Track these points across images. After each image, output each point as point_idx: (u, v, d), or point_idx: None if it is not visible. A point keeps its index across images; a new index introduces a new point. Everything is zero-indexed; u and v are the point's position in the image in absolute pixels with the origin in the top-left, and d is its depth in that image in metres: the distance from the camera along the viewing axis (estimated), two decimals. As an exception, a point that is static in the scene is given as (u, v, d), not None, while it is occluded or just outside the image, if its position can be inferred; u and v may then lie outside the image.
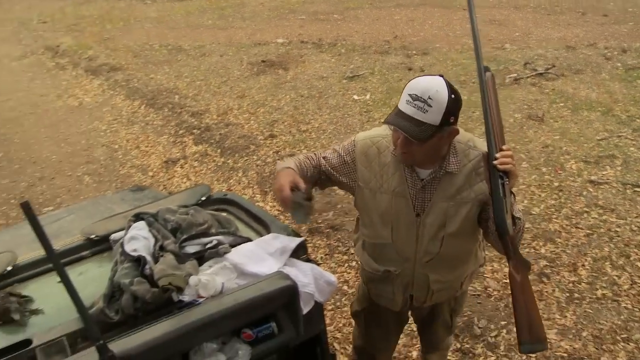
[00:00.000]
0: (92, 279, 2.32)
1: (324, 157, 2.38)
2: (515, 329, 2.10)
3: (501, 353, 3.59)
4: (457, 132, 2.09)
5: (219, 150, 6.88)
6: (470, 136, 2.25)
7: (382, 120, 2.16)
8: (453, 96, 1.99)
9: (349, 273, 4.46)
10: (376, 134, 2.32)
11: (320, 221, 5.13)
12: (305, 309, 2.11)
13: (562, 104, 6.86)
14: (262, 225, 2.44)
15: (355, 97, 7.85)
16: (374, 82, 8.32)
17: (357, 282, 4.34)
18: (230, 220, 2.42)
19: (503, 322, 3.79)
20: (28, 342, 1.95)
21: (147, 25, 14.62)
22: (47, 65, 12.34)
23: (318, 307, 2.24)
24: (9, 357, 1.89)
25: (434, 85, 1.97)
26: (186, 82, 9.67)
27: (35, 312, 2.20)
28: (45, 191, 6.74)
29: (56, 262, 1.62)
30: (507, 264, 2.12)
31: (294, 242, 2.20)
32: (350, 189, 2.40)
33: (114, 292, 2.01)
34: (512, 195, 2.04)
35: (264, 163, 6.37)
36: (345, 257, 4.64)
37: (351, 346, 3.37)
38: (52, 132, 8.53)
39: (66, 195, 6.55)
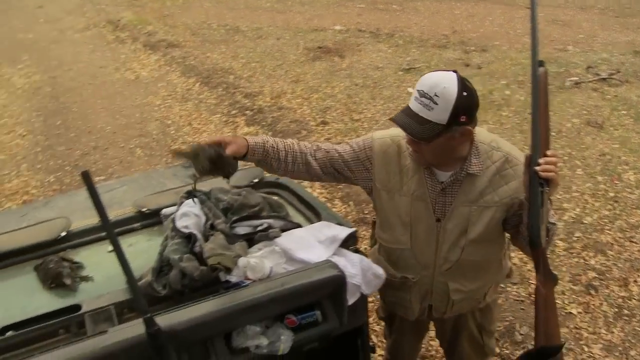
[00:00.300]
0: (141, 251, 2.35)
1: (335, 150, 2.23)
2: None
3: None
4: (471, 133, 1.96)
5: (270, 133, 6.90)
6: (494, 137, 2.14)
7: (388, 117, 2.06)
8: (465, 93, 1.86)
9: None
10: (397, 133, 2.18)
11: (367, 212, 5.10)
12: (350, 300, 2.09)
13: (624, 112, 6.64)
14: (313, 212, 2.43)
15: (410, 89, 7.75)
16: (429, 76, 8.18)
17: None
18: (282, 205, 2.41)
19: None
20: (77, 307, 1.99)
21: (206, 4, 14.76)
22: (108, 38, 12.59)
23: (363, 299, 2.22)
24: (59, 319, 1.93)
25: (443, 81, 1.85)
26: (241, 63, 9.73)
27: (85, 278, 2.24)
28: (98, 161, 6.88)
29: (110, 232, 1.63)
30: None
31: (345, 231, 2.18)
32: (366, 188, 2.30)
33: (162, 267, 2.03)
34: (550, 202, 1.91)
35: (314, 149, 6.34)
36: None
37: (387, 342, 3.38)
38: (108, 104, 8.71)
39: (118, 166, 6.67)
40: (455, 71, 1.92)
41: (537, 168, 1.82)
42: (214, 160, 1.98)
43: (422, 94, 1.87)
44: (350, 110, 7.31)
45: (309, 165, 2.19)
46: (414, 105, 1.90)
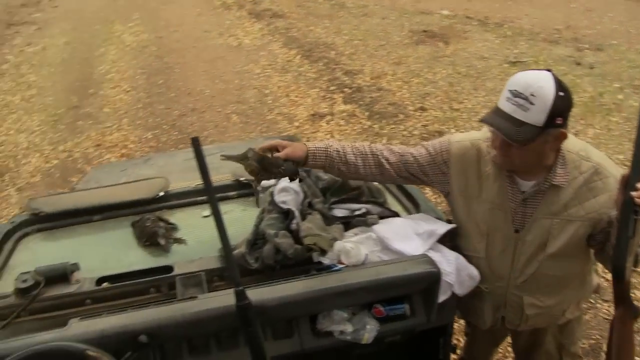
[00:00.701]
0: (235, 220, 2.37)
1: (410, 154, 2.11)
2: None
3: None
4: (565, 136, 1.83)
5: (367, 113, 6.84)
6: (583, 145, 1.98)
7: (480, 118, 1.91)
8: (562, 94, 1.74)
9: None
10: (477, 136, 2.08)
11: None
12: (441, 298, 2.02)
13: None
14: (412, 202, 2.37)
15: (515, 84, 7.47)
16: (537, 71, 7.85)
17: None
18: (381, 191, 2.36)
19: (636, 354, 3.51)
20: (170, 268, 2.02)
21: (314, -24, 14.72)
22: (214, 3, 12.82)
23: (452, 298, 2.14)
24: (152, 278, 1.97)
25: (538, 80, 1.74)
26: (344, 40, 9.66)
27: (179, 240, 2.29)
28: (194, 122, 7.03)
29: (213, 199, 1.63)
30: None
31: (444, 227, 2.10)
32: (442, 191, 2.18)
33: (256, 240, 2.02)
34: None
35: (410, 134, 6.25)
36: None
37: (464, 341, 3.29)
38: (209, 68, 8.87)
39: (213, 130, 6.80)
40: (549, 70, 1.81)
41: (634, 193, 1.66)
42: (262, 163, 1.97)
43: (516, 94, 1.75)
44: (450, 98, 7.13)
45: (382, 168, 2.09)
46: (506, 106, 1.78)
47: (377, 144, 2.14)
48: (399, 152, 2.11)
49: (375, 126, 6.50)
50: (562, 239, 1.97)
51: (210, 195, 1.63)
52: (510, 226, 2.01)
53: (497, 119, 1.79)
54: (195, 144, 1.60)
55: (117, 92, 8.17)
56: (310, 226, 1.94)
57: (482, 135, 2.07)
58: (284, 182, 2.25)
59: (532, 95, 1.72)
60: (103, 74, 8.94)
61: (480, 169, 2.03)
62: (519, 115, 1.75)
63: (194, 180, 2.60)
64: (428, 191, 5.10)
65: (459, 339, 3.65)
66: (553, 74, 1.78)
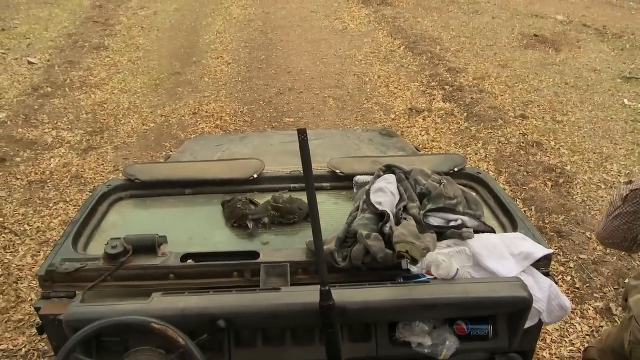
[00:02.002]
0: (326, 212, 2.33)
1: None
2: None
3: None
4: None
5: (465, 114, 6.67)
6: None
7: None
8: None
9: (561, 287, 4.11)
10: None
11: (547, 221, 4.78)
12: (527, 324, 1.93)
13: None
14: (509, 219, 2.26)
15: (626, 101, 7.11)
16: (652, 90, 7.46)
17: (592, 316, 4.01)
18: (479, 203, 2.27)
19: None
20: (256, 254, 2.01)
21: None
22: (325, -17, 12.78)
23: (538, 325, 2.05)
24: (237, 262, 1.98)
25: None
26: (451, 35, 9.46)
27: (266, 226, 2.26)
28: (290, 102, 7.06)
29: (311, 189, 1.60)
30: None
31: (541, 251, 2.00)
32: None
33: (347, 238, 1.98)
34: None
35: (507, 141, 6.05)
36: (562, 269, 4.29)
37: None
38: (312, 48, 8.89)
39: (308, 112, 6.81)
40: None
41: None
42: None
43: None
44: (553, 109, 6.85)
45: None
46: None
47: None
48: None
49: (472, 128, 6.33)
50: None
51: (308, 182, 1.60)
52: None
53: None
54: (302, 135, 1.57)
55: (218, 63, 8.30)
56: (403, 232, 1.88)
57: None
58: (382, 181, 2.20)
59: None
60: (207, 43, 9.12)
61: None
62: None
63: (289, 165, 2.59)
64: (519, 204, 4.94)
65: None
66: None
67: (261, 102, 7.07)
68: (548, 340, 3.71)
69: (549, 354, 3.62)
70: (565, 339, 3.73)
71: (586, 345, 2.71)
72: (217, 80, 7.70)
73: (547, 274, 2.04)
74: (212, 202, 2.45)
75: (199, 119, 6.55)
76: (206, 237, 2.22)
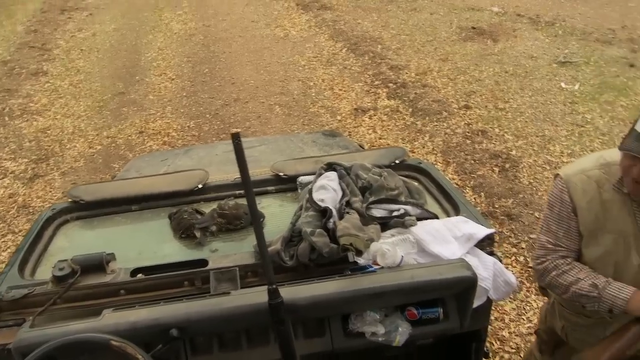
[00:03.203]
0: (272, 215, 2.36)
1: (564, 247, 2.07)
2: None
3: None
4: None
5: (410, 110, 6.78)
6: None
7: (619, 146, 1.79)
8: None
9: (514, 267, 4.23)
10: (589, 166, 2.00)
11: (497, 206, 4.90)
12: (476, 303, 1.98)
13: None
14: (452, 205, 2.32)
15: (563, 85, 7.32)
16: (587, 72, 7.67)
17: (521, 281, 4.12)
18: (421, 192, 2.32)
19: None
20: (205, 262, 2.03)
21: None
22: (264, -8, 12.83)
23: (487, 304, 2.10)
24: (186, 271, 1.98)
25: None
26: (391, 34, 9.60)
27: (214, 234, 2.27)
28: (237, 113, 7.07)
29: (250, 197, 1.62)
30: None
31: (483, 231, 2.06)
32: None
33: (292, 237, 2.01)
34: None
35: (452, 132, 6.17)
36: (514, 250, 4.40)
37: (518, 358, 3.33)
38: (254, 58, 8.91)
39: (255, 121, 6.82)
40: None
41: None
42: None
43: None
44: (495, 97, 7.02)
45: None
46: None
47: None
48: (568, 255, 2.08)
49: (418, 123, 6.44)
50: None
51: (247, 188, 1.62)
52: (637, 254, 1.97)
53: None
54: (236, 139, 1.59)
55: (162, 80, 8.26)
56: (347, 226, 1.92)
57: (591, 162, 2.03)
58: (324, 179, 2.23)
59: None
60: (150, 61, 9.05)
61: (602, 199, 1.96)
62: None
63: (234, 173, 2.60)
64: (468, 192, 5.05)
65: (502, 347, 3.63)
66: None
67: (208, 116, 7.05)
68: (507, 320, 3.81)
69: (509, 332, 3.72)
70: (523, 316, 3.84)
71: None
72: (162, 97, 7.66)
73: (491, 253, 2.10)
74: (160, 216, 2.45)
75: (146, 138, 6.50)
76: (155, 251, 2.22)
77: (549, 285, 2.12)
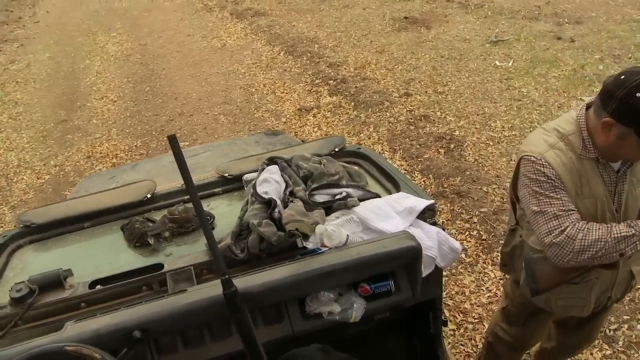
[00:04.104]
0: (221, 215, 2.41)
1: (566, 208, 2.05)
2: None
3: (619, 348, 3.41)
4: None
5: (352, 103, 6.90)
6: None
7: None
8: None
9: (469, 242, 4.37)
10: (553, 141, 2.07)
11: (446, 185, 5.04)
12: (424, 272, 2.07)
13: None
14: (392, 183, 2.41)
15: (497, 63, 7.54)
16: (518, 49, 7.93)
17: (477, 254, 4.25)
18: (361, 174, 2.41)
19: (626, 317, 3.59)
20: (160, 266, 2.08)
21: (294, -28, 14.76)
22: (196, 6, 12.84)
23: (437, 272, 2.19)
24: (143, 277, 2.03)
25: None
26: (327, 33, 9.71)
27: (168, 239, 2.32)
28: (183, 127, 7.07)
29: (194, 195, 1.68)
30: None
31: (423, 203, 2.15)
32: None
33: (241, 231, 2.07)
34: None
35: (396, 120, 6.31)
36: (467, 225, 4.54)
37: (482, 327, 3.41)
38: (194, 71, 8.91)
39: (202, 132, 6.85)
40: None
41: None
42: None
43: None
44: (434, 82, 7.19)
45: None
46: None
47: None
48: (576, 216, 2.07)
49: (361, 115, 6.55)
50: None
51: (190, 190, 1.68)
52: (613, 209, 2.08)
53: None
54: (172, 142, 1.65)
55: (104, 103, 8.19)
56: (291, 213, 1.99)
57: (549, 135, 2.10)
58: (266, 173, 2.30)
59: None
60: (89, 85, 8.96)
61: (575, 167, 2.04)
62: None
63: (182, 181, 2.64)
64: (417, 176, 5.17)
65: (455, 316, 3.74)
66: None
67: (154, 133, 7.04)
68: (467, 293, 3.93)
69: (470, 304, 3.83)
70: (482, 287, 3.96)
71: (500, 305, 2.88)
72: (105, 120, 7.60)
73: (434, 224, 2.20)
74: (112, 229, 2.47)
75: (94, 162, 6.46)
76: (111, 262, 2.24)
77: (579, 253, 2.00)
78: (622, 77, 1.83)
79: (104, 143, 6.91)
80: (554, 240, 2.02)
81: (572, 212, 2.03)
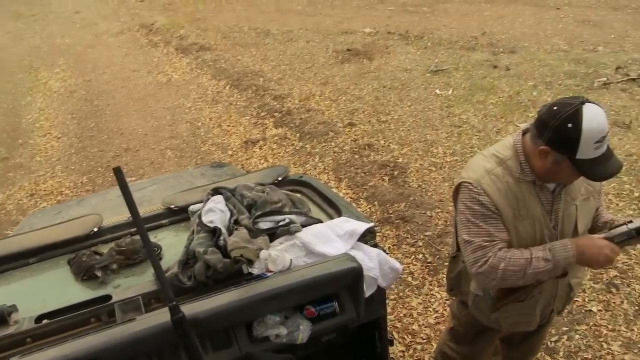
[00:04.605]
0: (169, 245, 2.45)
1: (495, 237, 2.17)
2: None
3: (560, 358, 3.55)
4: None
5: (298, 135, 7.01)
6: None
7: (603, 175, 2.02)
8: None
9: (415, 265, 4.48)
10: (490, 166, 2.18)
11: (391, 211, 5.16)
12: (367, 292, 2.16)
13: (654, 112, 6.57)
14: (334, 209, 2.49)
15: (438, 91, 7.79)
16: (457, 77, 8.22)
17: (423, 277, 4.36)
18: (304, 201, 2.49)
19: (565, 329, 3.73)
20: (108, 297, 2.09)
21: (237, 7, 14.94)
22: (141, 42, 12.85)
23: (380, 292, 2.28)
24: (91, 309, 2.04)
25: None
26: (271, 66, 9.85)
27: (115, 271, 2.34)
28: (129, 162, 7.05)
29: (139, 224, 1.73)
30: None
31: (363, 226, 2.25)
32: None
33: (188, 260, 2.12)
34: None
35: (341, 150, 6.44)
36: (413, 249, 4.66)
37: (430, 347, 3.50)
38: (140, 106, 8.91)
39: (149, 167, 6.84)
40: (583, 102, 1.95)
41: None
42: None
43: (606, 136, 1.94)
44: (377, 112, 7.37)
45: None
46: (606, 148, 1.98)
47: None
48: (504, 245, 2.19)
49: (307, 146, 6.67)
50: (586, 216, 2.26)
51: (136, 221, 1.72)
52: (550, 227, 2.20)
53: (617, 162, 2.01)
54: (118, 174, 1.69)
55: (47, 140, 8.10)
56: (236, 240, 2.05)
57: (487, 161, 2.21)
58: (211, 203, 2.36)
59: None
60: (31, 122, 8.85)
61: (511, 191, 2.15)
62: None
63: (128, 214, 2.65)
64: (363, 203, 5.28)
65: (404, 337, 3.82)
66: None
67: (100, 169, 7.00)
68: (415, 315, 4.02)
69: (418, 325, 3.92)
70: (429, 309, 4.07)
71: (447, 325, 2.99)
72: (49, 157, 7.52)
73: (375, 245, 2.30)
74: (59, 264, 2.46)
75: (38, 199, 6.38)
76: (59, 297, 2.23)
77: (502, 280, 2.15)
78: (555, 107, 1.96)
79: (48, 180, 6.83)
80: (479, 270, 2.16)
81: (496, 242, 2.15)
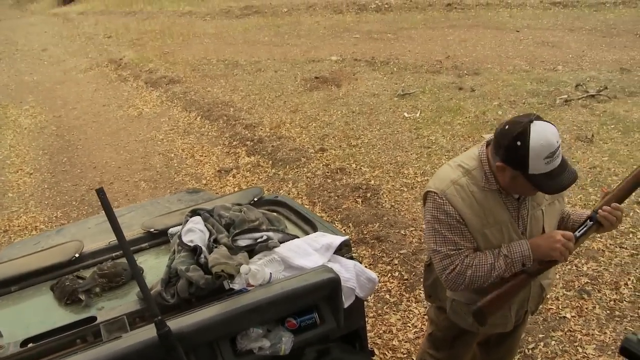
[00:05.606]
0: (150, 267, 2.49)
1: (457, 244, 2.28)
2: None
3: (538, 366, 3.66)
4: None
5: (270, 162, 7.10)
6: None
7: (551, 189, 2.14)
8: None
9: (392, 283, 4.57)
10: (455, 177, 2.27)
11: (365, 232, 5.25)
12: (346, 303, 2.25)
13: (612, 126, 6.79)
14: (309, 225, 2.59)
15: (406, 114, 7.97)
16: (424, 100, 8.43)
17: (400, 293, 4.45)
18: (280, 219, 2.58)
19: (541, 335, 3.84)
20: (93, 318, 2.14)
21: (205, 40, 15.12)
22: (110, 77, 12.91)
23: (359, 303, 2.37)
24: (76, 330, 2.08)
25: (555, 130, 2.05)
26: (241, 96, 9.98)
27: (99, 294, 2.39)
28: (103, 195, 7.02)
29: (122, 240, 1.79)
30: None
31: (339, 239, 2.34)
32: None
33: (170, 278, 2.19)
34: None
35: (313, 175, 6.54)
36: (389, 268, 4.75)
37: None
38: (112, 140, 8.93)
39: (123, 200, 6.86)
40: (532, 119, 2.05)
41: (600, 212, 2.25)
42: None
43: (559, 149, 2.04)
44: (347, 136, 7.52)
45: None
46: (561, 160, 2.08)
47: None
48: (470, 252, 2.30)
49: (279, 172, 6.76)
50: (553, 219, 2.38)
51: (120, 241, 1.79)
52: (519, 232, 2.29)
53: (571, 173, 2.11)
54: (101, 195, 1.76)
55: (19, 176, 8.07)
56: (216, 257, 2.13)
57: (451, 171, 2.31)
58: (190, 223, 2.43)
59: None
60: (2, 159, 8.79)
61: (477, 199, 2.24)
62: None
63: (108, 240, 2.71)
64: (337, 225, 5.37)
65: (385, 353, 3.89)
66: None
67: (74, 203, 7.00)
68: (394, 331, 4.09)
69: (398, 341, 3.99)
70: (408, 324, 4.14)
71: (426, 332, 3.07)
72: (22, 193, 7.49)
73: (351, 258, 2.39)
74: (41, 290, 2.49)
75: (12, 235, 6.35)
76: (43, 322, 2.24)
77: (469, 285, 2.27)
78: (507, 127, 2.08)
79: (22, 216, 6.80)
80: (447, 277, 2.29)
81: (462, 250, 2.27)
